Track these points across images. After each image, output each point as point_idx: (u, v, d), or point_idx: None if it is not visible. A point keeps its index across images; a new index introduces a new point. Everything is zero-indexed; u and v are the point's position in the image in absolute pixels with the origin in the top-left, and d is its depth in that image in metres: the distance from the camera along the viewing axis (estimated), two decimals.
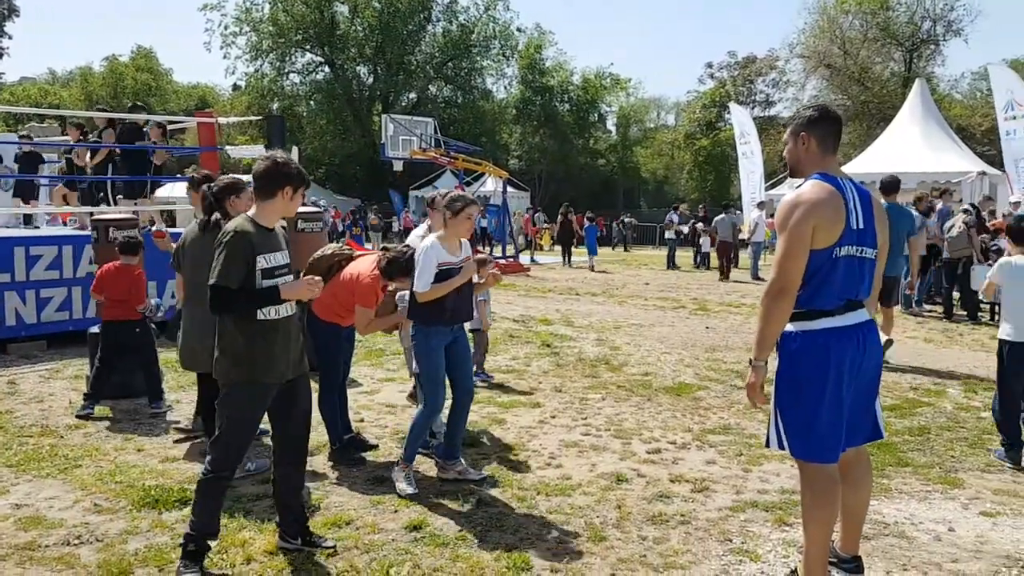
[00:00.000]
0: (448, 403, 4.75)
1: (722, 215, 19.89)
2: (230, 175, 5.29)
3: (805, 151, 3.27)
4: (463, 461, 4.81)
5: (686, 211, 28.18)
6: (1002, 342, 5.24)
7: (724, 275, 18.63)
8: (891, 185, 8.89)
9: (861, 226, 3.15)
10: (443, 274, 4.46)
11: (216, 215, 4.77)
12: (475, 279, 4.79)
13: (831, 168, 3.24)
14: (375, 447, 5.42)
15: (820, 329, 3.14)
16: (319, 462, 5.09)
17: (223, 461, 3.55)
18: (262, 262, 3.50)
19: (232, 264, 3.43)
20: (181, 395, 6.81)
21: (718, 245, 19.40)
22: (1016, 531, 4.07)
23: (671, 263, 21.96)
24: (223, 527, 3.99)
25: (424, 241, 4.63)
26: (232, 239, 3.45)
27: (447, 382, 4.66)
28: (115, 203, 10.70)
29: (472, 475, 4.74)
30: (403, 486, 4.54)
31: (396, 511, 4.26)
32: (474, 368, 6.06)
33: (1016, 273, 5.21)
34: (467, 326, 5.97)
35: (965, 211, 12.08)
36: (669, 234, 22.91)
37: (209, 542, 3.62)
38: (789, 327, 3.18)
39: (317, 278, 3.70)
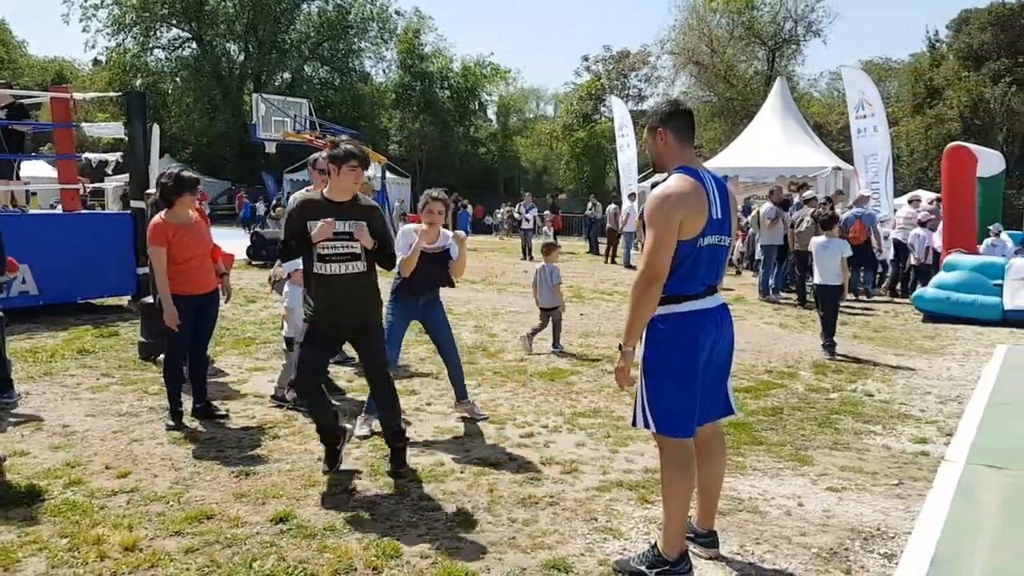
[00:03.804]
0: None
1: (612, 205, 22.03)
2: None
3: (665, 145, 3.41)
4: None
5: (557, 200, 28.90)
6: (814, 285, 8.92)
7: (609, 259, 20.61)
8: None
9: (720, 216, 3.32)
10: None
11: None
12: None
13: (691, 160, 3.39)
14: (225, 416, 5.68)
15: (685, 312, 3.29)
16: (180, 454, 4.90)
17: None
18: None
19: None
20: (31, 386, 6.39)
21: (607, 232, 21.46)
22: (860, 505, 4.35)
23: (527, 253, 21.82)
24: (75, 524, 3.80)
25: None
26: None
27: None
28: None
29: (478, 415, 5.82)
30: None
31: (262, 503, 4.14)
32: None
33: (819, 247, 8.68)
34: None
35: (807, 200, 12.84)
36: (526, 224, 22.73)
37: None
38: (655, 311, 3.30)
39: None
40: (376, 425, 5.19)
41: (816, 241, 8.84)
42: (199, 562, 3.48)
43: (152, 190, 8.36)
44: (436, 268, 5.55)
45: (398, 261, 5.15)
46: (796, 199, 13.60)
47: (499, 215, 34.21)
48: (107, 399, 6.11)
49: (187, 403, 5.67)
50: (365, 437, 5.25)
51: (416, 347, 8.39)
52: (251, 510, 4.06)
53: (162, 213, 5.53)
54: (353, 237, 4.33)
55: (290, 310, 5.93)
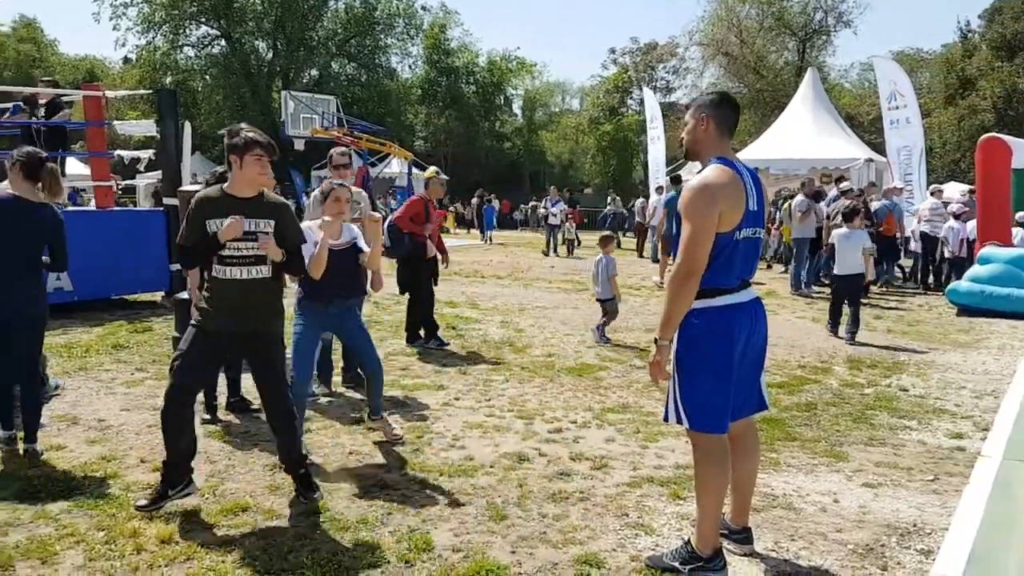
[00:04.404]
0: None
1: (640, 199, 22.67)
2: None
3: (704, 132, 3.36)
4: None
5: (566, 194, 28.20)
6: (833, 275, 9.36)
7: (639, 253, 21.00)
8: (676, 179, 14.67)
9: (755, 208, 3.28)
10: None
11: None
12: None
13: (728, 152, 3.35)
14: (259, 410, 5.57)
15: (721, 306, 3.24)
16: (215, 448, 4.95)
17: None
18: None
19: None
20: (67, 381, 6.48)
21: (635, 227, 22.12)
22: (896, 501, 4.30)
23: (553, 249, 21.33)
24: (111, 517, 3.85)
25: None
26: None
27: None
28: None
29: (395, 436, 5.08)
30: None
31: (295, 496, 4.18)
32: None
33: (841, 238, 9.05)
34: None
35: (844, 192, 12.67)
36: (552, 220, 21.71)
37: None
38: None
39: None
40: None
41: (838, 232, 9.23)
42: (234, 554, 3.51)
43: (186, 187, 8.47)
44: (345, 267, 4.84)
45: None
46: (832, 191, 13.44)
47: (540, 210, 33.61)
48: (142, 393, 6.20)
49: (221, 397, 5.73)
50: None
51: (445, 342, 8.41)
52: (285, 503, 4.10)
53: None
54: (261, 234, 3.89)
55: None
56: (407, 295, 8.37)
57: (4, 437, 4.83)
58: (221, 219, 3.82)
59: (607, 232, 9.83)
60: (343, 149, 6.60)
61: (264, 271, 3.94)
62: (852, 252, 8.95)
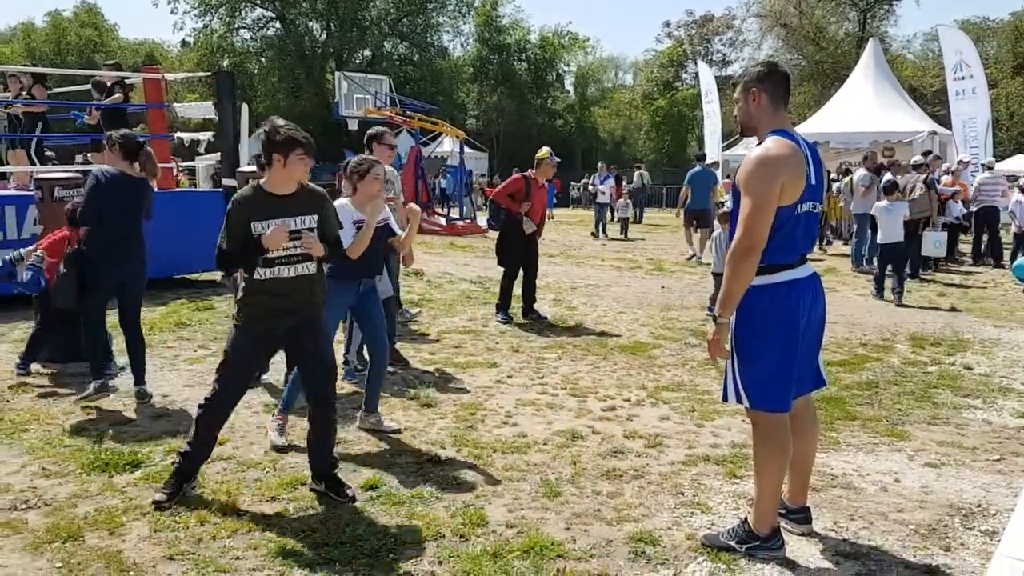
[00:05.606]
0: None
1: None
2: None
3: (757, 107, 3.28)
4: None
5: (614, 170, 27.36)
6: (879, 244, 10.15)
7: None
8: (702, 157, 16.15)
9: (815, 182, 3.20)
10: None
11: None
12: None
13: (785, 123, 3.27)
14: None
15: (781, 282, 3.18)
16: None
17: None
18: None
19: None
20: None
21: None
22: (959, 481, 4.20)
23: (602, 230, 20.00)
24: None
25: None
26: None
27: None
28: (44, 162, 10.54)
29: (387, 428, 4.92)
30: None
31: (353, 471, 4.24)
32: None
33: (882, 210, 10.01)
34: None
35: (916, 166, 12.29)
36: (602, 198, 20.49)
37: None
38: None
39: None
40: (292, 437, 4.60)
41: (879, 205, 10.17)
42: (294, 526, 3.59)
43: (244, 168, 8.61)
44: (377, 246, 4.78)
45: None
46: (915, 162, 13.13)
47: (590, 187, 32.87)
48: (204, 370, 6.34)
49: (279, 375, 5.82)
50: (281, 448, 4.55)
51: (496, 320, 8.43)
52: (343, 477, 4.15)
53: None
54: (305, 233, 3.81)
55: None
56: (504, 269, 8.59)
57: (98, 385, 5.44)
58: (266, 220, 3.73)
59: (726, 209, 9.76)
60: (390, 131, 6.71)
61: (311, 267, 3.88)
62: (893, 223, 9.87)
